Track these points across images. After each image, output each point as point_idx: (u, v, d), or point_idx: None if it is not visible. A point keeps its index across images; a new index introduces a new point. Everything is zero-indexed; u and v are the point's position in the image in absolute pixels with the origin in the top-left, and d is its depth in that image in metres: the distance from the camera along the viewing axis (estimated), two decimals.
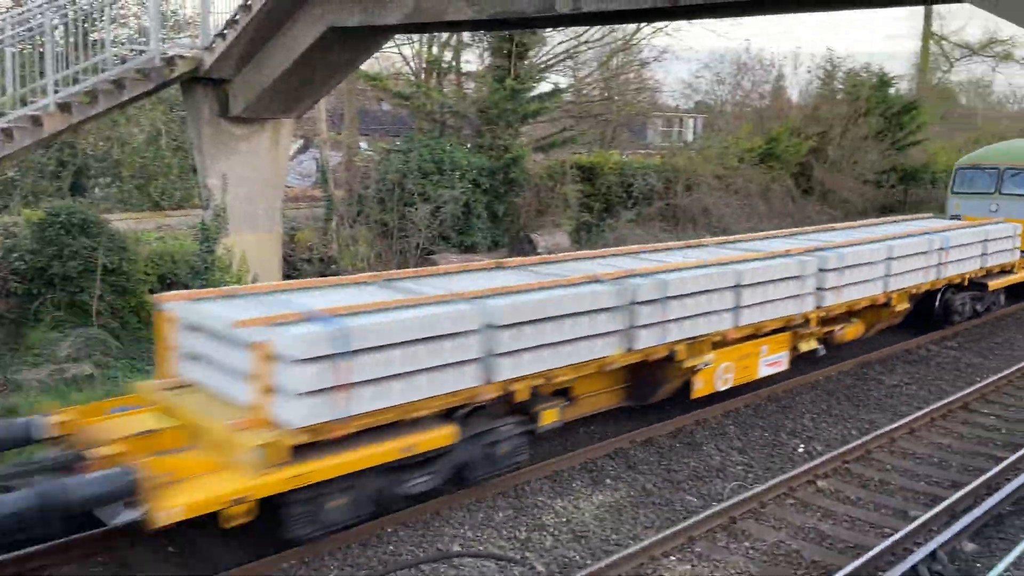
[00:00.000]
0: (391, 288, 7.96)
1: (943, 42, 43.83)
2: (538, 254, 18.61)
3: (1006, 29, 43.02)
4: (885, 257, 11.77)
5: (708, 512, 7.52)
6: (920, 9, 41.61)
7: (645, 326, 8.49)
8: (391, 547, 7.01)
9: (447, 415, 7.19)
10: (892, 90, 31.87)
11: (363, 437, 6.56)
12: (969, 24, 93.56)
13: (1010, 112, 49.09)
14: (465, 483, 7.63)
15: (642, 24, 23.89)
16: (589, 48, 25.09)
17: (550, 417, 8.11)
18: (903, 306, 12.76)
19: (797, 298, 10.29)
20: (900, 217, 17.94)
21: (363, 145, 22.15)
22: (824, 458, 8.85)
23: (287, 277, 14.72)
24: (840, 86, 31.31)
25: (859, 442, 9.34)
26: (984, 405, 11.22)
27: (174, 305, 7.25)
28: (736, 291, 9.41)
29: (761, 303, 9.76)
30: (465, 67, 22.99)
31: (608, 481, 8.46)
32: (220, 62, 12.04)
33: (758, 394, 10.98)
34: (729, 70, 33.01)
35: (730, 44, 75.33)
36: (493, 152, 19.38)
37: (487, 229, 18.84)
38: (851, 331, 11.74)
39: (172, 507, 5.59)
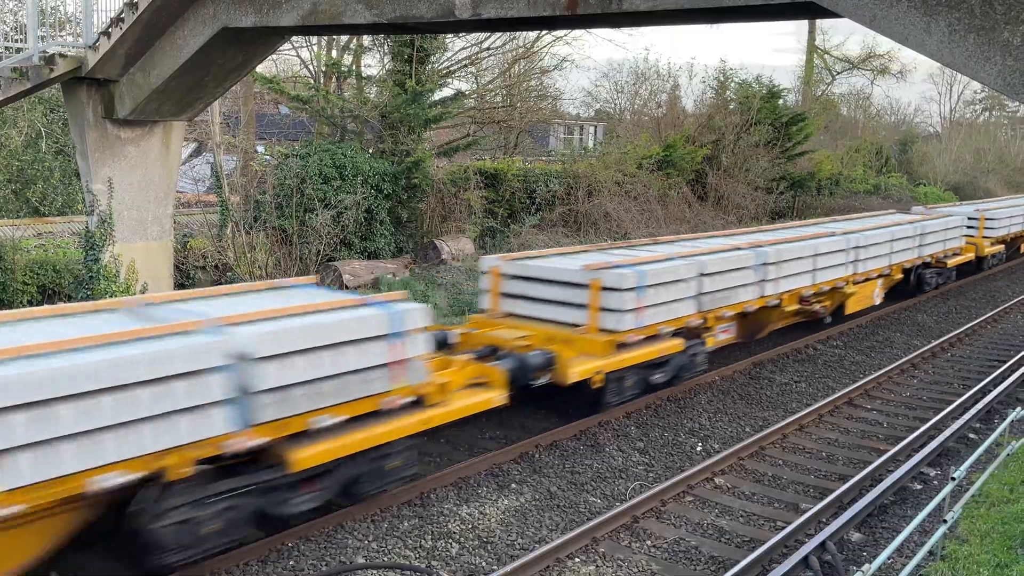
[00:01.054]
0: None
1: (826, 56, 46.16)
2: (442, 260, 18.56)
3: (884, 44, 45.74)
4: None
5: (611, 513, 7.64)
6: (805, 24, 43.70)
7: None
8: (292, 562, 6.82)
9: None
10: (780, 101, 33.30)
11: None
12: (850, 39, 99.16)
13: (888, 123, 52.09)
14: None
15: (542, 32, 24.19)
16: (491, 55, 25.25)
17: None
18: None
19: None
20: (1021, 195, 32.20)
21: (260, 149, 21.58)
22: (721, 456, 9.15)
23: (179, 286, 14.17)
24: (732, 96, 32.51)
25: (753, 439, 9.70)
26: (867, 401, 11.83)
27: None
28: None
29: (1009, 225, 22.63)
30: (366, 71, 22.75)
31: (513, 486, 8.48)
32: (105, 62, 11.48)
33: (658, 395, 11.24)
34: (628, 79, 33.85)
35: (628, 54, 77.39)
36: (395, 157, 19.20)
37: (391, 235, 18.64)
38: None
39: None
